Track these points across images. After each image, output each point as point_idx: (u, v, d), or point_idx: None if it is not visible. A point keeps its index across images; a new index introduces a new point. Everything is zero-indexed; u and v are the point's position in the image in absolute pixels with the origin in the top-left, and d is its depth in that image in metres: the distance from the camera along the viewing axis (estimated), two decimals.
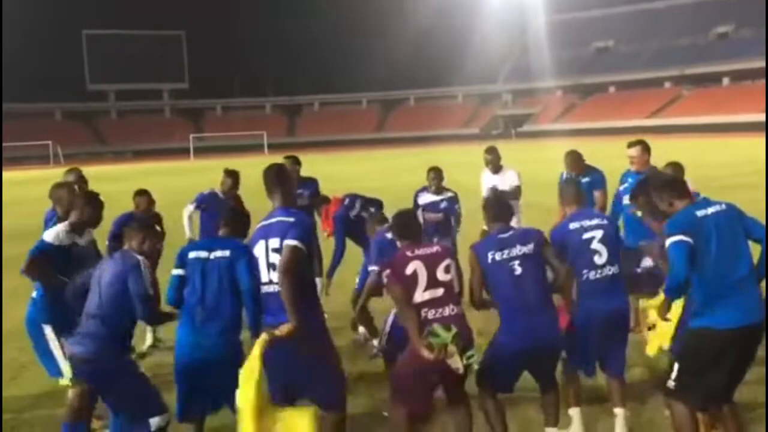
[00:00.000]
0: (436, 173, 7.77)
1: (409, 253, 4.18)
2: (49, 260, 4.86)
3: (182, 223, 7.51)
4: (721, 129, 55.24)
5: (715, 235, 3.91)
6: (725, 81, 68.40)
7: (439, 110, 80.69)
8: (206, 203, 7.51)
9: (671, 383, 4.00)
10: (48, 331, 4.97)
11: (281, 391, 4.15)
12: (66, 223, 5.05)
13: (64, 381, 4.99)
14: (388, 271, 4.21)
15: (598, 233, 4.54)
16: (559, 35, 77.20)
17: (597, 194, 7.02)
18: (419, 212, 7.71)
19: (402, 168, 32.03)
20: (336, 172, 26.38)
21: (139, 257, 4.40)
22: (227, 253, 4.32)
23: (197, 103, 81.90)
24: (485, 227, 4.79)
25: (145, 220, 4.81)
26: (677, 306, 4.47)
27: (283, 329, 3.95)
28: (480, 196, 7.58)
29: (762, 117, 57.86)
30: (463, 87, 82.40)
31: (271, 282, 4.14)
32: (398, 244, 4.42)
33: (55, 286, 4.85)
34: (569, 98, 77.89)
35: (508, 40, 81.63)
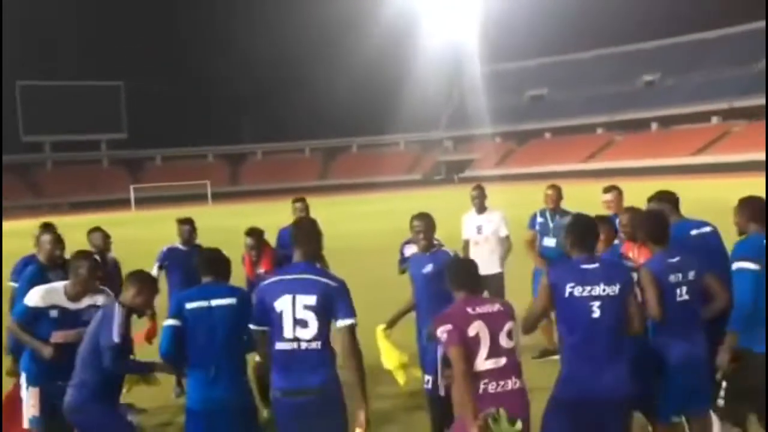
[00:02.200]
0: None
1: (470, 310, 3.66)
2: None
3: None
4: (652, 172, 57.51)
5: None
6: (653, 126, 71.53)
7: (382, 157, 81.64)
8: (168, 260, 7.27)
9: (720, 401, 4.37)
10: (23, 378, 4.95)
11: None
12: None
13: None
14: (447, 328, 3.64)
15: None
16: (496, 84, 79.65)
17: None
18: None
19: (347, 215, 32.17)
20: (281, 220, 26.27)
21: (117, 305, 4.44)
22: (232, 301, 4.20)
23: (136, 153, 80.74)
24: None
25: (144, 273, 4.77)
26: None
27: (362, 422, 3.76)
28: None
29: (688, 160, 60.67)
30: (404, 134, 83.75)
31: (296, 339, 3.83)
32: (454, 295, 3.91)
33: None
34: (507, 144, 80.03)
35: (447, 89, 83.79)
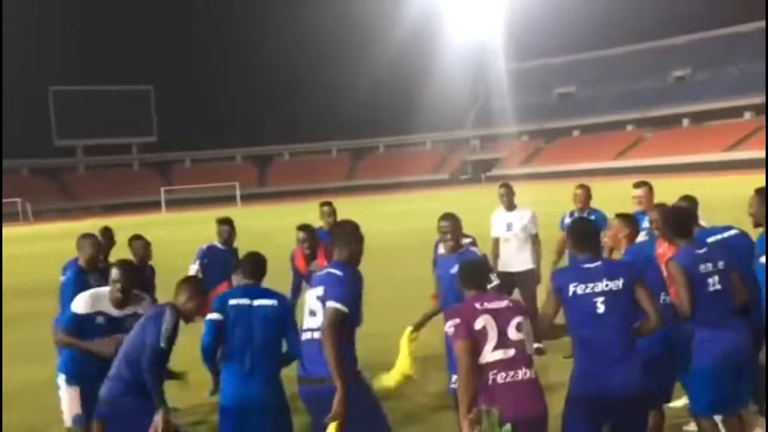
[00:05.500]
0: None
1: (477, 305, 3.75)
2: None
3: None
4: (683, 169, 56.63)
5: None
6: (685, 122, 70.45)
7: (409, 157, 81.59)
8: (207, 257, 7.38)
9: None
10: (60, 380, 5.01)
11: None
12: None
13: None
14: (455, 322, 3.71)
15: None
16: (523, 82, 79.14)
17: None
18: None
19: (374, 215, 32.21)
20: (309, 221, 26.42)
21: (169, 308, 4.42)
22: (274, 302, 4.42)
23: (166, 156, 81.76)
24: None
25: (197, 280, 4.93)
26: None
27: (336, 410, 3.97)
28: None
29: (721, 156, 59.65)
30: (430, 133, 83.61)
31: (309, 329, 4.19)
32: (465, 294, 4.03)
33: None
34: (535, 143, 79.42)
35: (473, 87, 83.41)
